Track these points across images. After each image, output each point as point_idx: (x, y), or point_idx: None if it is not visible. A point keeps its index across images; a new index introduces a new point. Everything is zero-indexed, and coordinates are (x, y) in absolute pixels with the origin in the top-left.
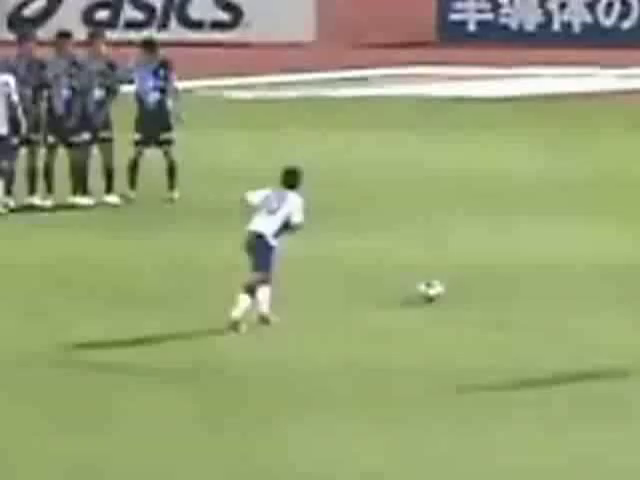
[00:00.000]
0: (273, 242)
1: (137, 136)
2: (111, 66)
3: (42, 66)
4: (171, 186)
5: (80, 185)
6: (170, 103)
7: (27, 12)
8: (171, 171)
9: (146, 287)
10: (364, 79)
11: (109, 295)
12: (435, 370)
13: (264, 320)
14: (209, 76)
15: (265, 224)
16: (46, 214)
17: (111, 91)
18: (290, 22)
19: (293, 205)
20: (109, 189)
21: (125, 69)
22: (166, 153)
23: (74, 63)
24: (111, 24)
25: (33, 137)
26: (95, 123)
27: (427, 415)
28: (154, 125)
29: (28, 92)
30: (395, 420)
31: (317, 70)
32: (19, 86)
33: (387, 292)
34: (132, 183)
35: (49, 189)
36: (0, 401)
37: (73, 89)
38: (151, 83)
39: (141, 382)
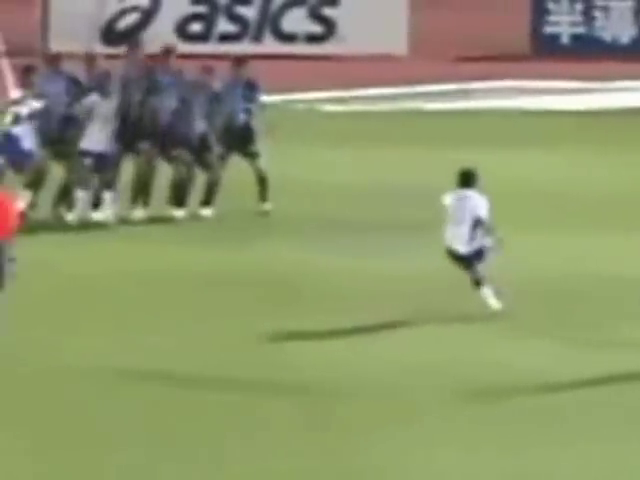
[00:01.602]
0: (470, 249)
1: (220, 150)
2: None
3: (152, 81)
4: (263, 198)
5: (177, 198)
6: (256, 122)
7: (121, 25)
8: (262, 183)
9: (239, 298)
10: (457, 92)
11: (199, 306)
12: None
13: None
14: (302, 89)
15: (457, 239)
16: (140, 226)
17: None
18: (383, 35)
19: (477, 206)
20: (207, 202)
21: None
22: (254, 166)
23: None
24: (205, 37)
25: (140, 147)
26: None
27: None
28: (240, 141)
29: (135, 100)
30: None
31: (410, 83)
32: (128, 94)
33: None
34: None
35: (146, 203)
36: (54, 413)
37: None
38: (240, 105)
39: (212, 392)
